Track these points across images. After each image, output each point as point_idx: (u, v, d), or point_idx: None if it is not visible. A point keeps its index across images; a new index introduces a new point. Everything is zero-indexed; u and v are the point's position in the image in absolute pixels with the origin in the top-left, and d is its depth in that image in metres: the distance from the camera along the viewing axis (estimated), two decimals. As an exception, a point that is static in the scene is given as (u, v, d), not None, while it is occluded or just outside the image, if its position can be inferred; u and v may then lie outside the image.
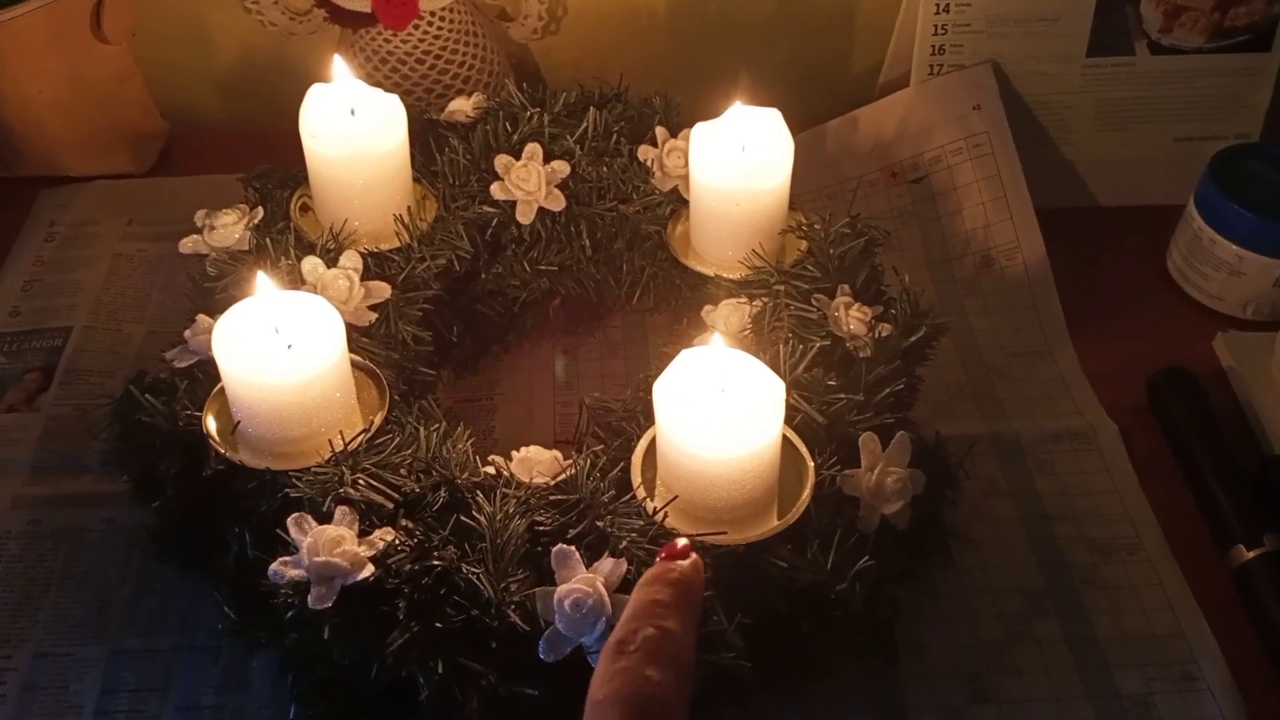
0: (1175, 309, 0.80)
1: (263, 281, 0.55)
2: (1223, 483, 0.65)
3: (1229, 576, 0.63)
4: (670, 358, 0.53)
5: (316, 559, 0.49)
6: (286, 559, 0.50)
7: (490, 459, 0.56)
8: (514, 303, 0.73)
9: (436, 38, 0.84)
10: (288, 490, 0.53)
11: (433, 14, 0.84)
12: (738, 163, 0.65)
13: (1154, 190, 0.85)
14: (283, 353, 0.55)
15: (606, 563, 0.49)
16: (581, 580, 0.49)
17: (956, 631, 0.61)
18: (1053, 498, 0.67)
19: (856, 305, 0.62)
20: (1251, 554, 0.62)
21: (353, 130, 0.65)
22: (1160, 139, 0.86)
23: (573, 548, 0.50)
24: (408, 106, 0.68)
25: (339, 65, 0.66)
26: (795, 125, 0.67)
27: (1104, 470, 0.69)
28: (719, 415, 0.51)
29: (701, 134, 0.66)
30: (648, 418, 0.56)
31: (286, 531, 0.50)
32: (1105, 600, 0.62)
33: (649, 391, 0.53)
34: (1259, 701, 0.58)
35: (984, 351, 0.76)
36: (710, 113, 0.67)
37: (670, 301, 0.73)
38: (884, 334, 0.62)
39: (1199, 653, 0.60)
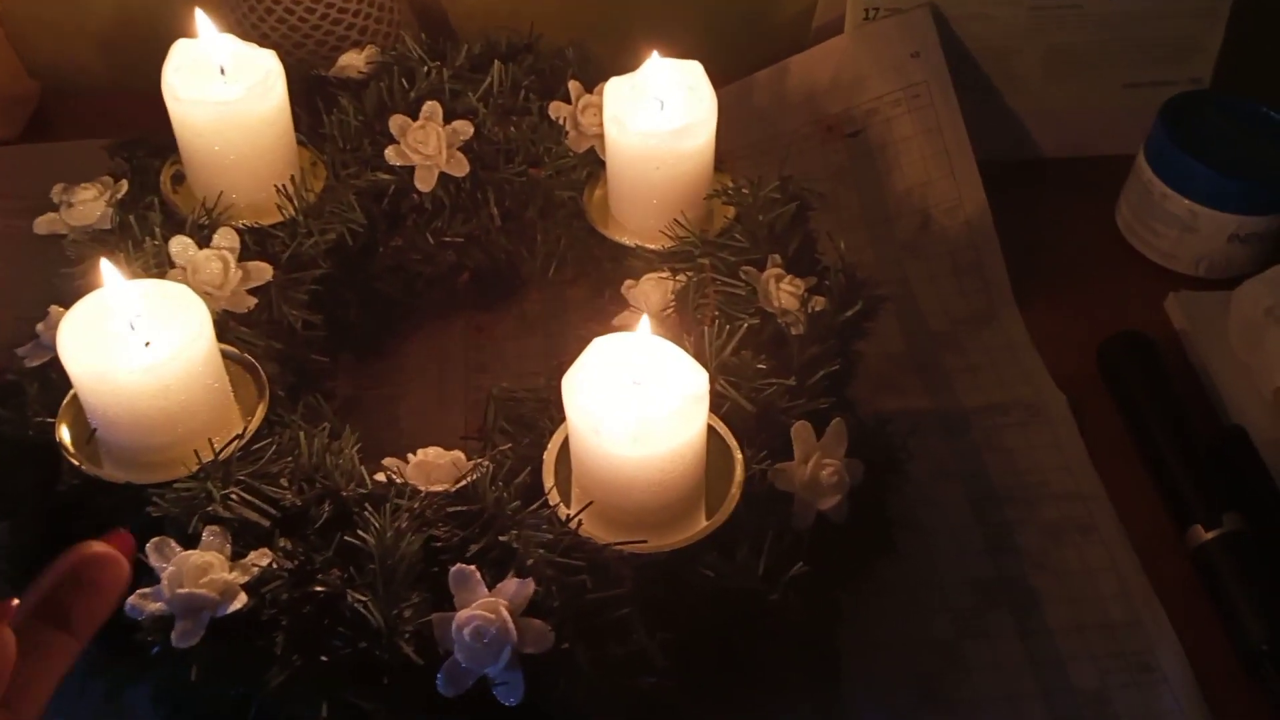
0: (1125, 268, 0.76)
1: (108, 270, 0.48)
2: (1179, 458, 0.61)
3: (1187, 558, 0.59)
4: (585, 344, 0.48)
5: (179, 590, 0.43)
6: (145, 591, 0.44)
7: (384, 464, 0.50)
8: (417, 279, 0.66)
9: (329, -17, 0.76)
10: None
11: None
12: (656, 121, 0.59)
13: (1102, 140, 0.81)
14: (139, 350, 0.48)
15: (511, 584, 0.44)
16: (483, 605, 0.43)
17: (903, 628, 0.56)
18: (1002, 477, 0.63)
19: (788, 278, 0.57)
20: (1210, 535, 0.58)
21: (223, 92, 0.58)
22: (1109, 86, 0.81)
23: (473, 567, 0.44)
24: (293, 63, 0.61)
25: (201, 19, 0.59)
26: (721, 76, 0.61)
27: (1054, 445, 0.64)
28: (635, 411, 0.46)
29: (616, 90, 0.60)
30: (561, 409, 0.51)
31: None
32: (1058, 588, 0.58)
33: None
34: (1219, 692, 0.54)
35: (928, 318, 0.71)
36: (630, 66, 0.61)
37: (590, 274, 0.67)
38: (818, 308, 0.57)
39: (1156, 642, 0.56)
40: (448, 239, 0.65)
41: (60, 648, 0.31)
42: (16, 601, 0.32)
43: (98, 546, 0.34)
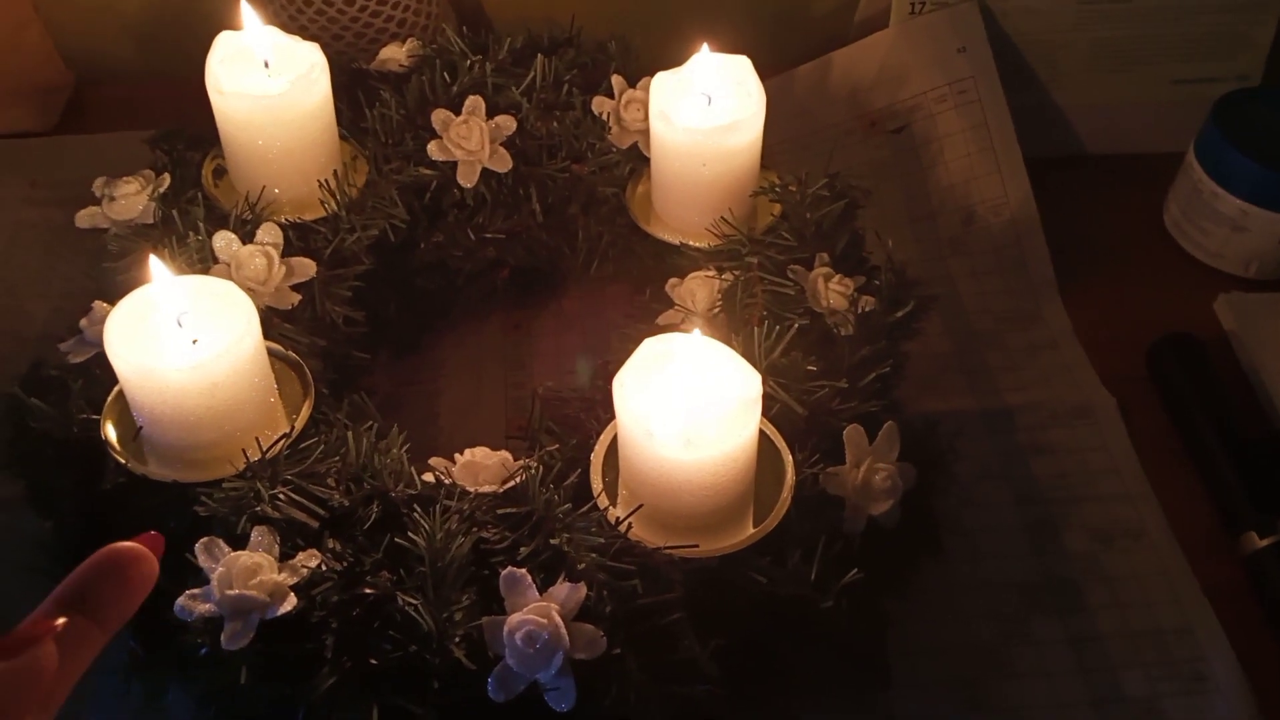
0: (1173, 267, 0.74)
1: (156, 265, 0.48)
2: (1230, 462, 0.60)
3: (1239, 565, 0.58)
4: (631, 343, 0.47)
5: (229, 592, 0.43)
6: (195, 592, 0.44)
7: (431, 464, 0.50)
8: (457, 275, 0.66)
9: (367, -25, 0.76)
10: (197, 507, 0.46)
11: (362, -52, 0.75)
12: (703, 118, 0.59)
13: (1149, 137, 0.80)
14: (186, 348, 0.48)
15: (563, 589, 0.43)
16: (535, 610, 0.43)
17: (947, 633, 0.56)
18: (1048, 479, 0.62)
19: (837, 277, 0.56)
20: (1264, 542, 0.57)
21: (267, 85, 0.57)
22: (1157, 81, 0.79)
23: (524, 571, 0.44)
24: (333, 55, 0.60)
25: (247, 11, 0.58)
26: (764, 69, 0.60)
27: (1102, 448, 0.63)
28: (688, 414, 0.45)
29: (662, 85, 0.59)
30: (608, 409, 0.50)
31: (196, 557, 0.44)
32: (1107, 593, 0.57)
33: (609, 380, 0.47)
34: (1274, 703, 0.53)
35: (971, 317, 0.70)
36: (672, 59, 0.60)
37: (631, 271, 0.66)
38: (867, 308, 0.56)
39: (1208, 650, 0.55)
40: (489, 235, 0.64)
41: (88, 637, 0.32)
42: (62, 621, 0.32)
43: (128, 543, 0.35)
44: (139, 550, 0.34)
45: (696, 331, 0.47)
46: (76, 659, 0.32)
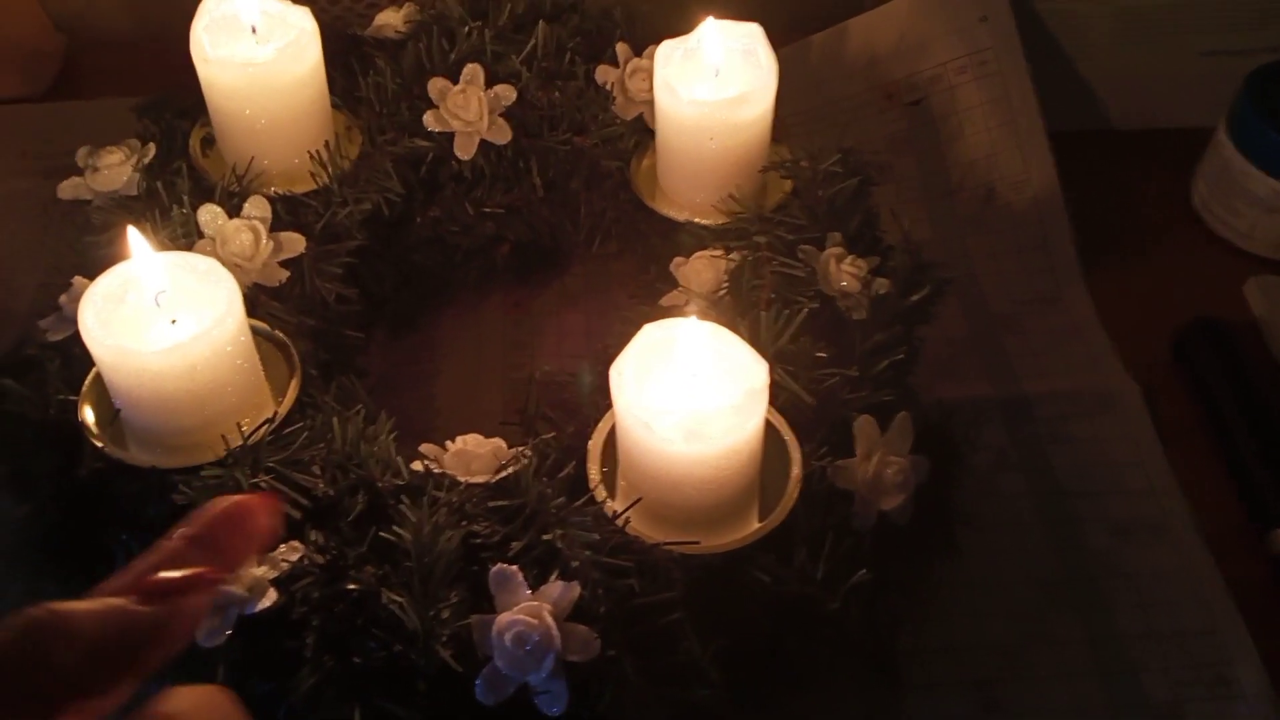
0: (1200, 248, 0.71)
1: (135, 239, 0.46)
2: (1260, 455, 0.58)
3: (1268, 562, 0.56)
4: (631, 327, 0.45)
5: (205, 586, 0.41)
6: (170, 585, 0.41)
7: (421, 450, 0.48)
8: (455, 251, 0.63)
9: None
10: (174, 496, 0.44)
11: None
12: (711, 89, 0.56)
13: (1177, 112, 0.77)
14: (164, 329, 0.46)
15: (555, 587, 0.41)
16: (525, 609, 0.41)
17: (961, 633, 0.53)
18: (1068, 471, 0.60)
19: (850, 258, 0.53)
20: (1295, 539, 0.54)
21: (254, 52, 0.55)
22: (1185, 53, 0.76)
23: (515, 568, 0.41)
24: (326, 21, 0.58)
25: (233, -28, 0.56)
26: (776, 38, 0.57)
27: (1125, 438, 0.61)
28: (691, 405, 0.43)
29: (668, 54, 0.56)
30: (608, 395, 0.48)
31: (172, 549, 0.42)
32: (1129, 592, 0.55)
33: (608, 364, 0.44)
34: (1302, 709, 0.51)
35: (990, 300, 0.67)
36: (680, 27, 0.57)
37: (635, 249, 0.64)
38: (881, 292, 0.53)
39: (1234, 654, 0.53)
40: (487, 209, 0.62)
41: (207, 575, 0.31)
42: (209, 571, 0.31)
43: (255, 495, 0.35)
44: (265, 500, 0.35)
45: (694, 314, 0.44)
46: (196, 599, 0.31)
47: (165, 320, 0.46)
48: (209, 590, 0.31)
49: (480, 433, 0.50)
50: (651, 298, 0.57)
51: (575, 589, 0.41)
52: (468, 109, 0.60)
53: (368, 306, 0.60)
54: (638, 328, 0.45)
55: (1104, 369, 0.64)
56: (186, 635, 0.30)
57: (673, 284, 0.57)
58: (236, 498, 0.34)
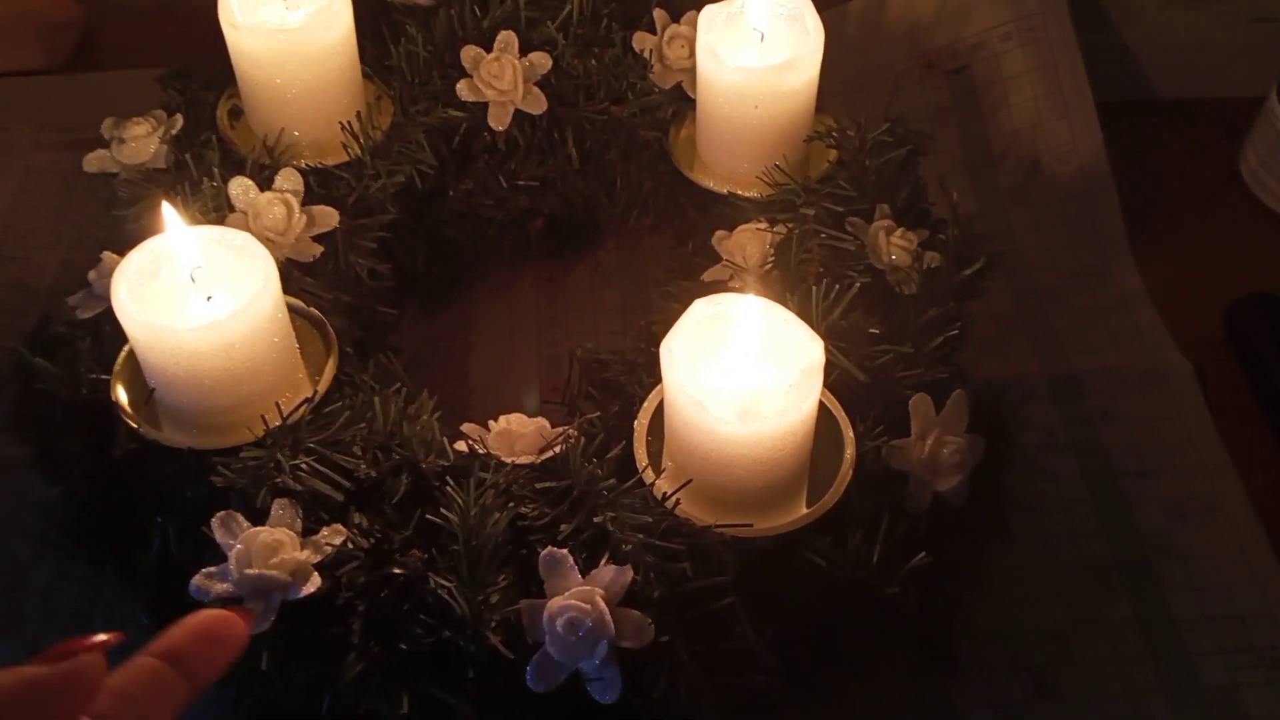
0: (1250, 221, 0.70)
1: (169, 213, 0.44)
2: (1319, 433, 0.56)
3: (1326, 545, 0.54)
4: (675, 302, 0.43)
5: (248, 571, 0.40)
6: (211, 570, 0.40)
7: (463, 430, 0.46)
8: (488, 225, 0.62)
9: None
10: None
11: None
12: (755, 55, 0.54)
13: (1227, 81, 0.75)
14: (200, 305, 0.44)
15: (607, 571, 0.40)
16: (577, 594, 0.39)
17: (1013, 616, 0.52)
18: (1118, 450, 0.58)
19: (899, 230, 0.52)
20: (1356, 520, 0.53)
21: (285, 18, 0.53)
22: (1236, 20, 0.74)
23: (565, 551, 0.40)
24: (355, -13, 0.56)
25: (261, -63, 0.54)
26: (815, 3, 0.55)
27: (1176, 416, 0.59)
28: (746, 385, 0.41)
29: (711, 19, 0.55)
30: (651, 373, 0.47)
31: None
32: (1182, 574, 0.54)
33: (651, 342, 0.43)
34: (1363, 693, 0.50)
35: (1036, 275, 0.66)
36: (720, -8, 0.56)
37: (673, 222, 0.62)
38: (933, 265, 0.51)
39: (1293, 636, 0.52)
40: (521, 182, 0.60)
41: (175, 690, 0.33)
42: (104, 637, 0.32)
43: (222, 610, 0.36)
44: (232, 616, 0.36)
45: (750, 289, 0.43)
46: (161, 709, 0.32)
47: (200, 297, 0.45)
48: (163, 690, 0.32)
49: (517, 411, 0.49)
50: (691, 274, 0.55)
51: (629, 573, 0.40)
52: (502, 78, 0.58)
53: (400, 282, 0.59)
54: (681, 303, 0.43)
55: (1153, 344, 0.62)
56: (88, 695, 0.31)
57: (712, 259, 0.55)
58: (209, 611, 0.36)
